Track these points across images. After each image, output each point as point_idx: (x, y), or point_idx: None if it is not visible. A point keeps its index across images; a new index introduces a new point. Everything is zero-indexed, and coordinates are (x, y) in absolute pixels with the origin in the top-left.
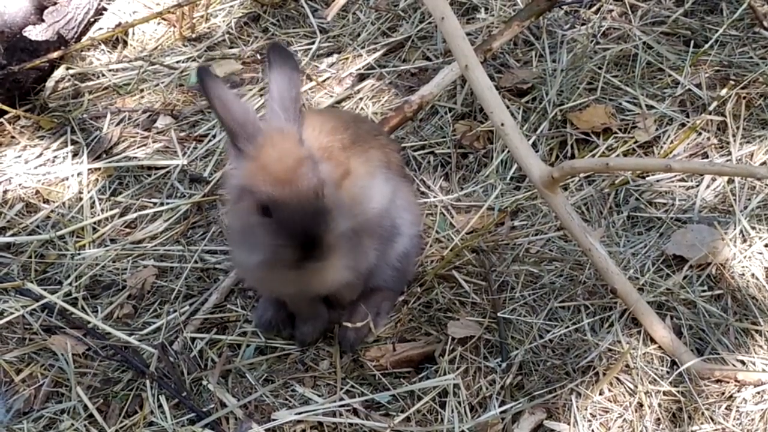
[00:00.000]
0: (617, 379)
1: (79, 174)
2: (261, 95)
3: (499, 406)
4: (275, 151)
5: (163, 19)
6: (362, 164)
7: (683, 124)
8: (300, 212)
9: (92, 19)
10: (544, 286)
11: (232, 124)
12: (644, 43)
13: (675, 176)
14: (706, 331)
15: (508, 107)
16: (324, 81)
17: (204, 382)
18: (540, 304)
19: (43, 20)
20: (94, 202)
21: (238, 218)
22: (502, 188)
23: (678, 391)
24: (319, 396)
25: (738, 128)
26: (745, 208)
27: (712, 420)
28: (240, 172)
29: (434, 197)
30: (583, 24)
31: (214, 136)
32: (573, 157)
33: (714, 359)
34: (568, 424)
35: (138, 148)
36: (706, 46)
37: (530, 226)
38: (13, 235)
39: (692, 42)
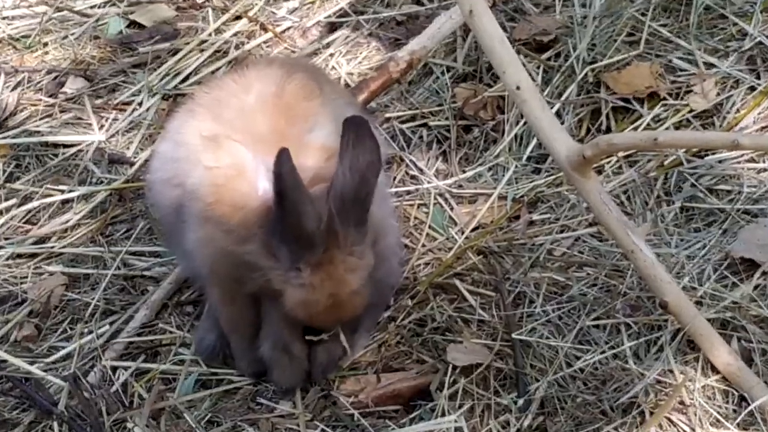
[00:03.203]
0: (668, 419)
1: None
2: (201, 50)
3: None
4: (337, 289)
5: None
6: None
7: (752, 88)
8: None
9: None
10: (573, 299)
11: (300, 233)
12: None
13: (742, 155)
14: None
15: (525, 66)
16: (283, 32)
17: (129, 425)
18: (567, 322)
19: None
20: None
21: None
22: (517, 171)
23: None
24: None
25: None
26: None
27: None
28: (286, 286)
29: (428, 183)
30: None
31: (140, 104)
32: (609, 130)
33: None
34: None
35: (41, 119)
36: None
37: (554, 221)
38: None
39: None
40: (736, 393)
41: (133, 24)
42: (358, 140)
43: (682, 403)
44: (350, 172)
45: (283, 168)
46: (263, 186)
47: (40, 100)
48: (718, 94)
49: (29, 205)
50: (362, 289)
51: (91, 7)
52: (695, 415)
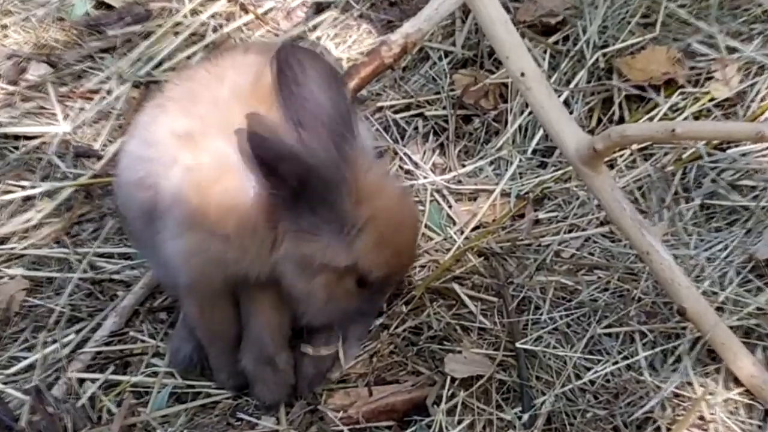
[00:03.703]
0: None
1: None
2: (175, 33)
3: None
4: (390, 219)
5: None
6: None
7: None
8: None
9: None
10: (583, 305)
11: (327, 172)
12: None
13: None
14: None
15: (530, 50)
16: (265, 13)
17: None
18: (577, 330)
19: None
20: None
21: (320, 290)
22: (522, 165)
23: None
24: None
25: None
26: None
27: None
28: (339, 248)
29: (424, 178)
30: None
31: (108, 92)
32: (622, 120)
33: None
34: None
35: (0, 108)
36: None
37: (562, 220)
38: None
39: None
40: (761, 407)
41: (101, 4)
42: (303, 63)
43: (701, 418)
44: (323, 93)
45: (266, 124)
46: (255, 181)
47: (0, 87)
48: (742, 81)
49: None
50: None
51: None
52: (717, 430)
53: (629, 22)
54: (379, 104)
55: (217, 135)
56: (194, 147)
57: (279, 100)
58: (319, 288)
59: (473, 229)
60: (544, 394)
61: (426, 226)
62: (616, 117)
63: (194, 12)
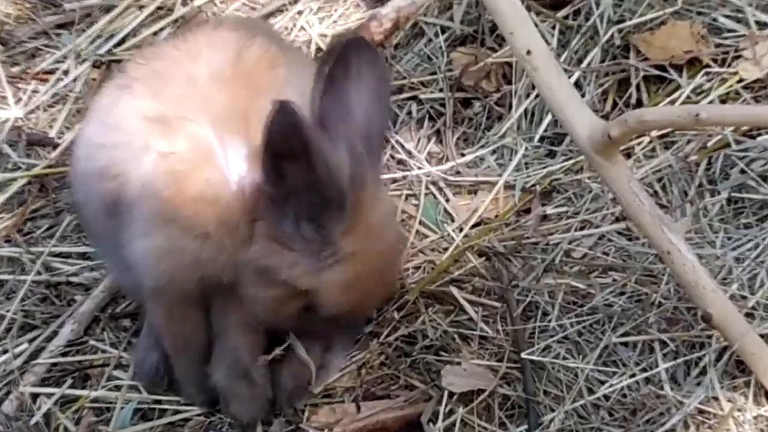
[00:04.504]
0: None
1: None
2: (140, 7)
3: None
4: (381, 246)
5: None
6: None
7: None
8: None
9: None
10: (596, 311)
11: (333, 192)
12: None
13: None
14: None
15: (537, 25)
16: None
17: None
18: (589, 339)
19: None
20: None
21: (266, 300)
22: (528, 154)
23: None
24: None
25: None
26: None
27: None
28: (319, 276)
29: (419, 169)
30: None
31: (65, 73)
32: (640, 104)
33: None
34: None
35: None
36: None
37: (573, 215)
38: None
39: None
40: None
41: None
42: (362, 65)
43: None
44: (370, 99)
45: (297, 117)
46: (238, 172)
47: None
48: None
49: None
50: (401, 238)
51: None
52: None
53: None
54: None
55: (194, 119)
56: (169, 132)
57: (315, 91)
58: (267, 299)
59: (473, 226)
60: (552, 410)
61: (421, 222)
62: (633, 100)
63: None
